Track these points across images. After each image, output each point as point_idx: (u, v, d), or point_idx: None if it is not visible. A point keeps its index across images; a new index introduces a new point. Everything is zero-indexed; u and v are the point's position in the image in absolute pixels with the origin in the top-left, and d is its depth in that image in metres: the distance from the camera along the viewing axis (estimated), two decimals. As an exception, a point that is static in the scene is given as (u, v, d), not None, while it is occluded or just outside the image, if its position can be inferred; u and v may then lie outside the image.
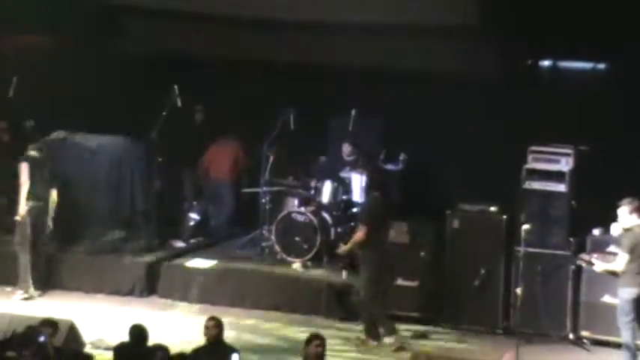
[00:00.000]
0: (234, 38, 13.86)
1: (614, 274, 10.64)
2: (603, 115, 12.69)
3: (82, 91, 13.86)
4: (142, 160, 13.38)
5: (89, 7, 13.90)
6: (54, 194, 12.53)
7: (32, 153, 12.56)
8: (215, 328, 9.09)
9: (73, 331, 10.13)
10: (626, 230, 10.60)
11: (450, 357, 10.21)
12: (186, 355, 8.64)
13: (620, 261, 10.54)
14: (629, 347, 10.56)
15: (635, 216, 10.57)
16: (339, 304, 12.14)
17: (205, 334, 9.13)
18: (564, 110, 12.83)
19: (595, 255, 11.02)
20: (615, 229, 10.74)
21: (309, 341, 8.72)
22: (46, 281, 12.59)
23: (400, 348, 11.04)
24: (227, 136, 14.00)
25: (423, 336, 11.60)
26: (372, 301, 11.26)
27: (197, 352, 9.02)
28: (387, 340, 11.20)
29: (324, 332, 9.24)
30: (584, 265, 11.07)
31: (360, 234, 11.26)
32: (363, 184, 12.88)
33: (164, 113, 13.20)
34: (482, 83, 12.96)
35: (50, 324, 9.11)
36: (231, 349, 9.02)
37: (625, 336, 10.56)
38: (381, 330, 11.27)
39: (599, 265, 10.82)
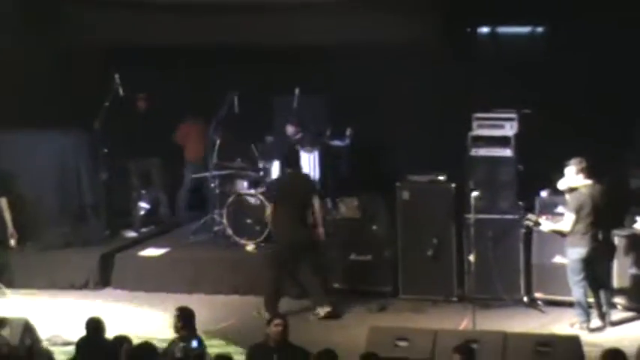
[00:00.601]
0: (173, 24, 13.77)
1: (561, 234, 10.78)
2: (545, 77, 12.81)
3: (21, 84, 13.70)
4: (87, 152, 13.33)
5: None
6: (3, 202, 12.37)
7: None
8: (177, 318, 8.97)
9: (28, 329, 10.05)
10: (573, 190, 10.73)
11: (408, 328, 10.25)
12: (154, 345, 8.51)
13: (566, 221, 10.66)
14: (582, 305, 10.71)
15: (581, 176, 10.69)
16: (295, 282, 12.15)
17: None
18: (506, 75, 12.92)
19: (543, 217, 11.14)
20: (561, 185, 10.85)
21: (270, 321, 8.79)
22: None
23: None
24: (188, 117, 13.97)
25: (381, 309, 11.66)
26: (273, 279, 11.37)
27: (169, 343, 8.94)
28: (266, 315, 11.02)
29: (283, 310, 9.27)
30: (531, 225, 11.19)
31: (268, 211, 11.55)
32: (312, 161, 12.95)
33: (106, 103, 13.11)
34: (424, 54, 13.01)
35: (1, 323, 9.02)
36: (194, 337, 8.91)
37: (576, 294, 10.71)
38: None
39: (546, 224, 10.94)
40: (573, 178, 10.70)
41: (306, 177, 12.07)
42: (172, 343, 8.79)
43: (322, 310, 11.37)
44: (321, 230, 11.52)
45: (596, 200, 10.64)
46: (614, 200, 10.98)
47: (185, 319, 8.90)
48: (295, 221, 11.38)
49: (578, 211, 10.58)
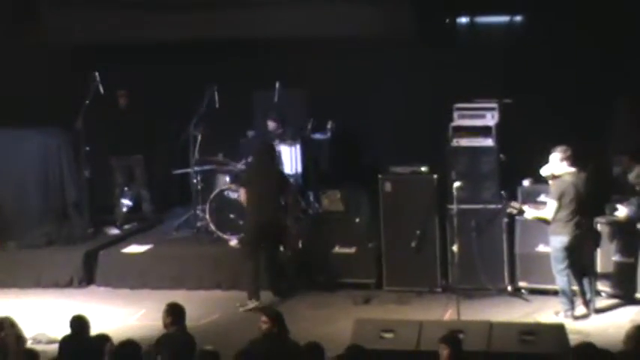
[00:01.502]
0: (153, 21, 13.75)
1: (545, 221, 10.81)
2: (524, 66, 12.84)
3: (1, 83, 13.64)
4: (69, 150, 13.30)
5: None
6: None
7: None
8: (165, 314, 8.90)
9: (13, 328, 10.00)
10: (556, 177, 10.76)
11: (393, 319, 10.27)
12: (137, 343, 8.43)
13: (549, 208, 10.70)
14: (566, 293, 10.74)
15: (565, 164, 10.72)
16: (280, 277, 12.16)
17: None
18: (486, 65, 12.95)
19: (526, 205, 11.16)
20: (544, 171, 10.87)
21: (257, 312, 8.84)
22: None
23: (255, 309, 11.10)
24: None
25: (365, 301, 11.67)
26: (249, 268, 11.48)
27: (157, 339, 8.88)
28: (249, 303, 11.33)
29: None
30: (514, 212, 11.21)
31: (243, 196, 11.81)
32: (294, 155, 12.96)
33: (87, 101, 13.08)
34: (404, 46, 13.02)
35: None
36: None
37: (561, 283, 10.74)
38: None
39: (530, 211, 10.97)
40: (557, 165, 10.73)
41: (280, 173, 12.10)
42: (160, 341, 8.73)
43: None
44: (292, 220, 11.67)
45: (579, 188, 10.67)
46: (596, 188, 11.01)
47: (174, 314, 8.79)
48: (263, 204, 11.50)
49: (560, 198, 10.61)
